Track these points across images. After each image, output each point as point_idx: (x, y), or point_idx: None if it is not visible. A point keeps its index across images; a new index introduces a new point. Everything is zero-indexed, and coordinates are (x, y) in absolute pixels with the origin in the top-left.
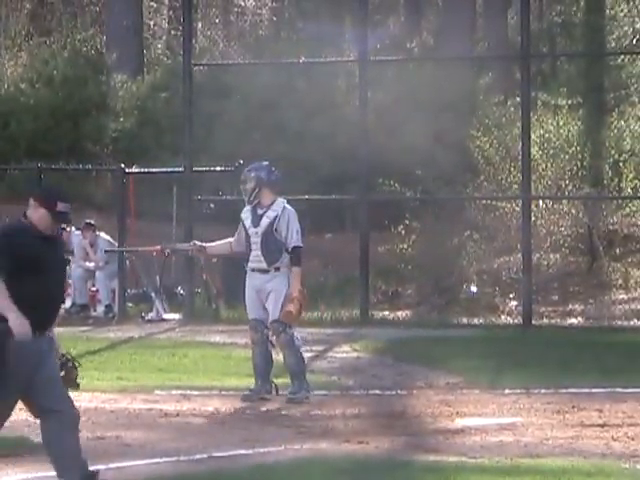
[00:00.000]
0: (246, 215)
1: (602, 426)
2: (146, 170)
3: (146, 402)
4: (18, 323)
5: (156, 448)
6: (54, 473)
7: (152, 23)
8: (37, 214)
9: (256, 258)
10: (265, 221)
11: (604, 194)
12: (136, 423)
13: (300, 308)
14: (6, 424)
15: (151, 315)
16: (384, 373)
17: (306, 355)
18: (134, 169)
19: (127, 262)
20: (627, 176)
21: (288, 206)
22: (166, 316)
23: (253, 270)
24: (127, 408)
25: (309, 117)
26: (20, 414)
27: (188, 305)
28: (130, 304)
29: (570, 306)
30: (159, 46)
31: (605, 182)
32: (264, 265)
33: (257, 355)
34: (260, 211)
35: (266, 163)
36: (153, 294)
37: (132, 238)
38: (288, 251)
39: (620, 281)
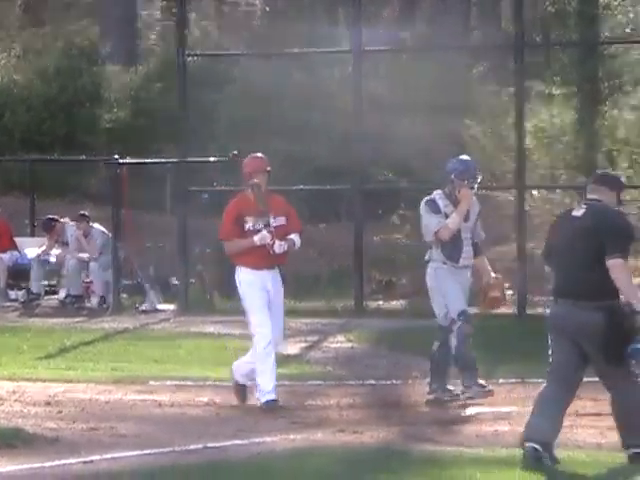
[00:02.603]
0: (447, 209)
1: (597, 415)
2: (140, 161)
3: (140, 393)
4: None
5: (150, 439)
6: (48, 464)
7: (145, 13)
8: None
9: (467, 254)
10: (473, 216)
11: None
12: (130, 414)
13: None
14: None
15: (145, 306)
16: (379, 363)
17: (301, 345)
18: (128, 160)
19: (121, 253)
20: (620, 165)
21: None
22: (160, 307)
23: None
24: (122, 399)
25: (304, 107)
26: (15, 405)
27: (182, 296)
28: (124, 295)
29: None
30: (153, 37)
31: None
32: (470, 261)
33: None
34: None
35: (462, 157)
36: (147, 285)
37: (127, 229)
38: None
39: None
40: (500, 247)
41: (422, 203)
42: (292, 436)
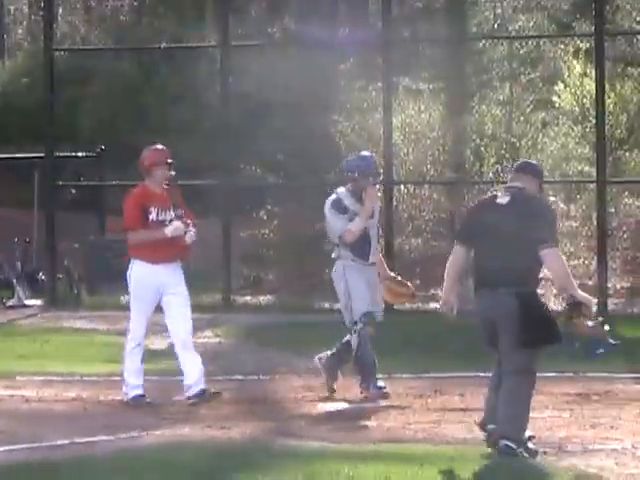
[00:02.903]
0: None
1: (464, 410)
2: (7, 156)
3: (7, 388)
4: None
5: (18, 434)
6: None
7: (13, 8)
8: None
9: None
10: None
11: (466, 179)
12: None
13: None
14: None
15: (12, 301)
16: (246, 358)
17: (169, 340)
18: None
19: None
20: (488, 161)
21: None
22: (28, 302)
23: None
24: None
25: (171, 103)
26: None
27: (49, 291)
28: None
29: (432, 291)
30: (20, 31)
31: (467, 167)
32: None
33: None
34: None
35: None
36: (14, 280)
37: None
38: None
39: None
40: None
41: (327, 203)
42: (160, 431)
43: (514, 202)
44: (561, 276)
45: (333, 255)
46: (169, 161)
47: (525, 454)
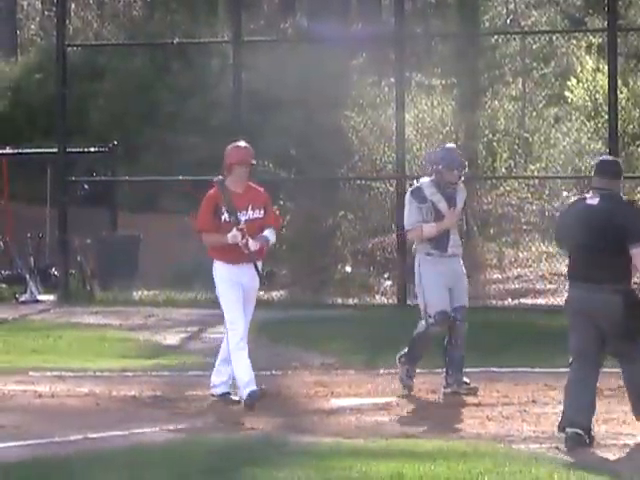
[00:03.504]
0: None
1: (477, 405)
2: (20, 151)
3: (20, 384)
4: None
5: (31, 429)
6: None
7: (26, 4)
8: None
9: (456, 242)
10: (460, 202)
11: (478, 174)
12: (10, 405)
13: None
14: None
15: (25, 297)
16: (259, 354)
17: (181, 336)
18: (7, 150)
19: (1, 244)
20: (501, 156)
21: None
22: (40, 297)
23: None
24: (1, 390)
25: (183, 98)
26: None
27: (62, 286)
28: (4, 285)
29: None
30: (33, 27)
31: (479, 162)
32: (460, 250)
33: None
34: (455, 192)
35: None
36: (27, 275)
37: (6, 220)
38: None
39: (494, 261)
40: (380, 237)
41: (408, 192)
42: (172, 426)
43: (604, 203)
44: None
45: (413, 248)
46: (252, 162)
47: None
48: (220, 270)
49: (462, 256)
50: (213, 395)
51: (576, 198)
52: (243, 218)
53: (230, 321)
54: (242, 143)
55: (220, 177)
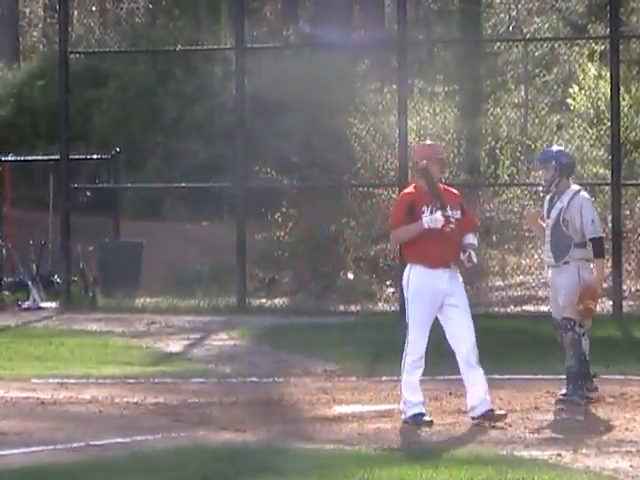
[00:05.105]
0: (545, 205)
1: None
2: (22, 158)
3: (23, 390)
4: None
5: (33, 437)
6: None
7: (28, 11)
8: None
9: (547, 252)
10: (554, 213)
11: (480, 181)
12: (13, 412)
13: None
14: None
15: (28, 303)
16: (261, 361)
17: (183, 343)
18: (10, 157)
19: (3, 250)
20: (503, 163)
21: (582, 193)
22: (43, 304)
23: (548, 265)
24: (4, 397)
25: (186, 105)
26: None
27: (65, 293)
28: (7, 292)
29: None
30: (35, 34)
31: (481, 169)
32: (552, 260)
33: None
34: (555, 201)
35: (561, 147)
36: (30, 282)
37: (9, 226)
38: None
39: (497, 268)
40: (382, 245)
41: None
42: (174, 434)
43: None
44: None
45: (565, 258)
46: (440, 157)
47: None
48: (418, 277)
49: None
50: (474, 418)
51: None
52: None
53: (411, 341)
54: (429, 141)
55: (424, 162)
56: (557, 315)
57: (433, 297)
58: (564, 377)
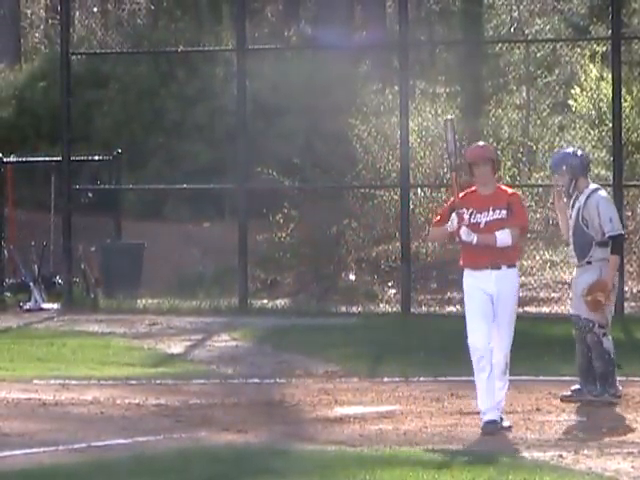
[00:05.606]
0: (569, 206)
1: (479, 413)
2: (24, 159)
3: (24, 392)
4: None
5: (35, 438)
6: None
7: (29, 12)
8: None
9: (570, 252)
10: (574, 213)
11: None
12: (14, 413)
13: (608, 299)
14: None
15: (29, 304)
16: (263, 362)
17: (185, 344)
18: (12, 158)
19: (5, 251)
20: (505, 164)
21: (599, 192)
22: (44, 305)
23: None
24: (5, 398)
25: (187, 106)
26: None
27: (66, 294)
28: (8, 294)
29: (449, 294)
30: (37, 35)
31: None
32: (575, 260)
33: (577, 353)
34: (575, 201)
35: (569, 149)
36: (31, 283)
37: (11, 227)
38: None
39: None
40: (384, 246)
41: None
42: (176, 435)
43: None
44: None
45: (587, 259)
46: (490, 157)
47: None
48: (465, 278)
49: None
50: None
51: None
52: (483, 220)
53: (469, 331)
54: (480, 142)
55: (459, 163)
56: (576, 312)
57: (481, 297)
58: (566, 378)
